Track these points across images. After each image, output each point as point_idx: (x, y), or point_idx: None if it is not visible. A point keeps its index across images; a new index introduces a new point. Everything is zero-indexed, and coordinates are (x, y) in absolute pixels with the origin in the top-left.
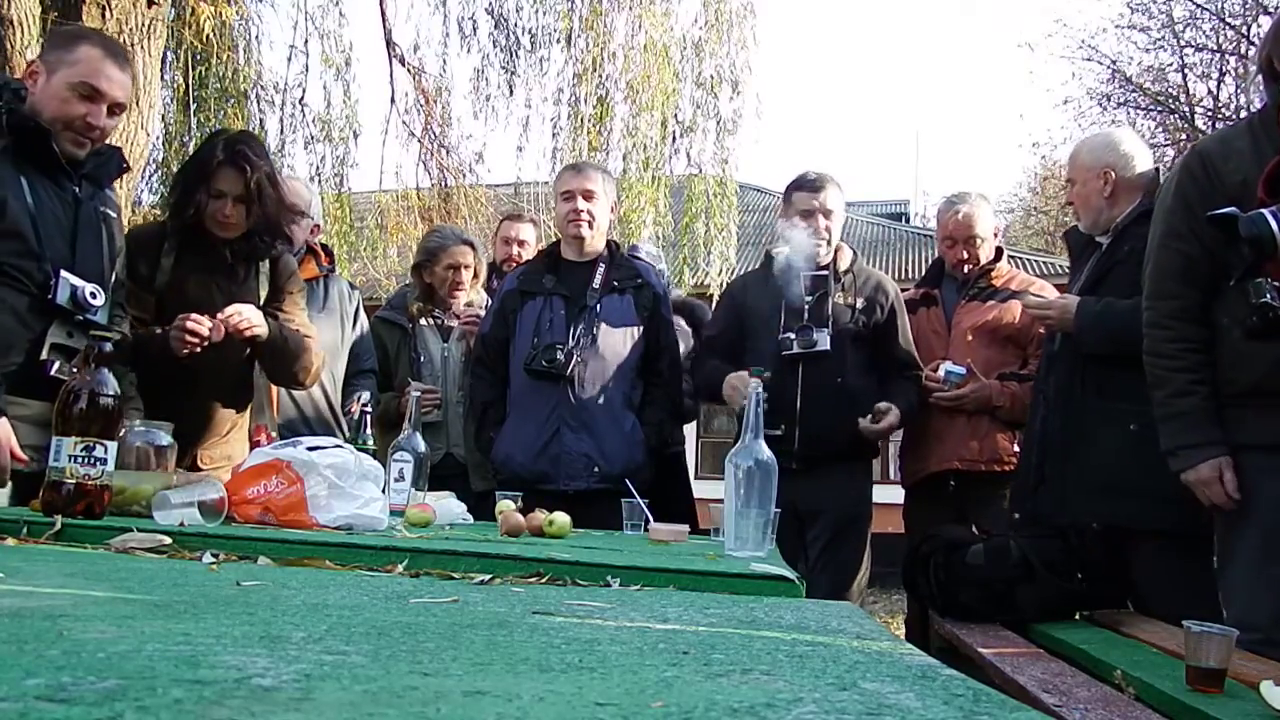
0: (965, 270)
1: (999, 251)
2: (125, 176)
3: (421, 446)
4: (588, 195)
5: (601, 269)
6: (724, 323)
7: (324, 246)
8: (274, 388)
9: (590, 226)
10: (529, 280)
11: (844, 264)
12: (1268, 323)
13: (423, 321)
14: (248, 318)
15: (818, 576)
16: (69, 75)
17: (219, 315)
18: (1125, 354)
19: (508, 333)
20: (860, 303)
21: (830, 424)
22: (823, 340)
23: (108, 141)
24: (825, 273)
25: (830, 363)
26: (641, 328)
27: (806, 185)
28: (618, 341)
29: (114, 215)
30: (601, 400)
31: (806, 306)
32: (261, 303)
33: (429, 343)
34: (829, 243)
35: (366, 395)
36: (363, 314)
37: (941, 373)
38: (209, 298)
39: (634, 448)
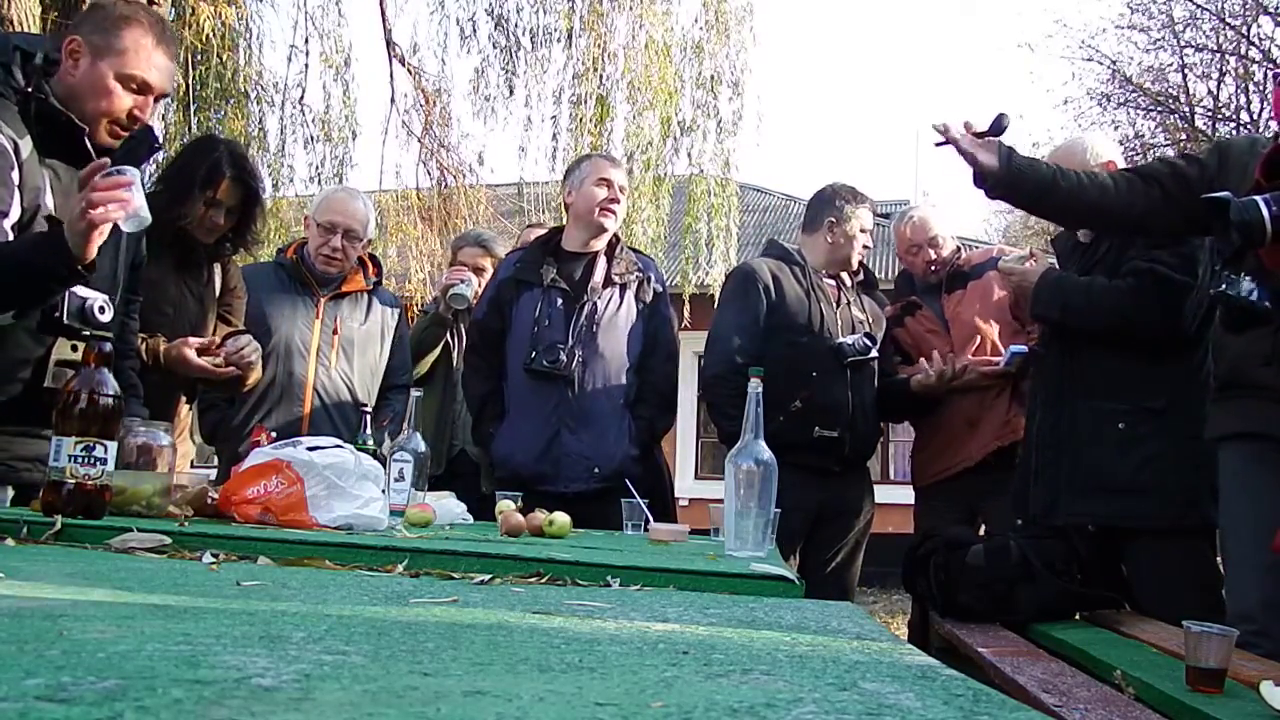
0: (935, 273)
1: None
2: None
3: (422, 446)
4: (622, 190)
5: (602, 262)
6: (755, 313)
7: (372, 257)
8: (310, 384)
9: (616, 220)
10: (526, 269)
11: (846, 278)
12: (1233, 313)
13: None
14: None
15: (828, 575)
16: (117, 65)
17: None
18: (1075, 326)
19: (503, 324)
20: (870, 309)
21: (873, 427)
22: (873, 346)
23: None
24: (836, 282)
25: (869, 368)
26: (641, 324)
27: (868, 201)
28: (617, 339)
29: None
30: (601, 400)
31: (836, 311)
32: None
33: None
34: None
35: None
36: (404, 328)
37: (1006, 355)
38: (182, 297)
39: (629, 446)
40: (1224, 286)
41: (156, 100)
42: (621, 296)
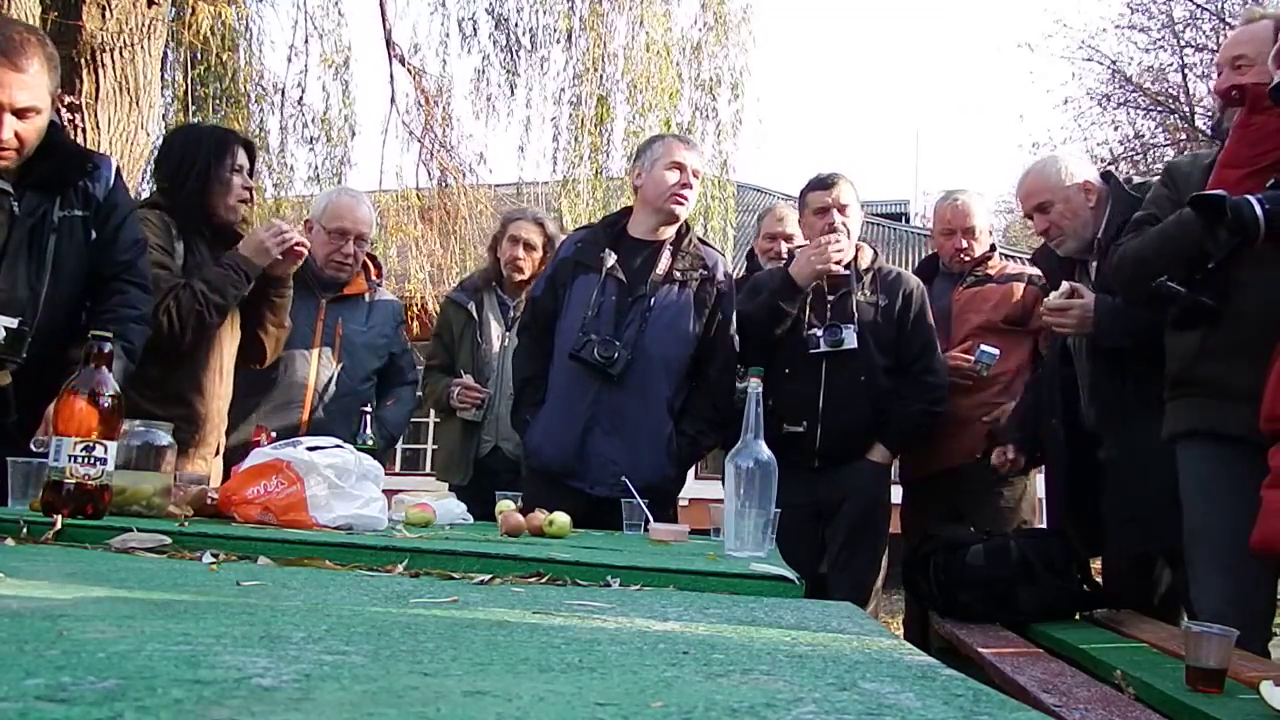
0: (961, 261)
1: (992, 247)
2: (126, 175)
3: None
4: (695, 174)
5: (666, 255)
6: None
7: (373, 258)
8: (311, 387)
9: (689, 207)
10: (586, 252)
11: (865, 262)
12: (1172, 304)
13: (487, 308)
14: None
15: (838, 574)
16: None
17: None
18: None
19: (556, 305)
20: (883, 300)
21: (852, 423)
22: (850, 338)
23: (106, 141)
24: (847, 271)
25: (855, 361)
26: (698, 325)
27: (819, 184)
28: (669, 340)
29: (81, 214)
30: (641, 403)
31: (829, 303)
32: None
33: (491, 331)
34: (848, 237)
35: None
36: (404, 329)
37: (977, 353)
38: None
39: (666, 459)
40: (1165, 278)
41: (21, 115)
42: (680, 293)
